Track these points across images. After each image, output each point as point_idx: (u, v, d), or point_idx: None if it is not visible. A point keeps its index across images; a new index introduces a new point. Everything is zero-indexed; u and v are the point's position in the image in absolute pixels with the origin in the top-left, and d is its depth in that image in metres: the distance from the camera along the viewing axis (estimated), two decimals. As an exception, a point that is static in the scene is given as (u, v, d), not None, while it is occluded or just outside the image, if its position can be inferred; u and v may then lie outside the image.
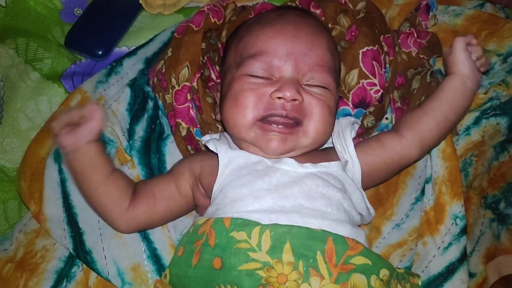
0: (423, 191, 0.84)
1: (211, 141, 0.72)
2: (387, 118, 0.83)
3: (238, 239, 0.61)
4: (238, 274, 0.59)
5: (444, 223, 0.78)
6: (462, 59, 0.75)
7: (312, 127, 0.69)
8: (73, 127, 0.70)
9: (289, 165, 0.68)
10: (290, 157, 0.69)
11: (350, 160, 0.73)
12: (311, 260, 0.59)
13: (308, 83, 0.70)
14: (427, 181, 0.83)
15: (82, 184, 0.72)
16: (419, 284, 0.71)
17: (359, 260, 0.61)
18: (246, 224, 0.62)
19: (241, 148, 0.72)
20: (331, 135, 0.75)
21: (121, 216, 0.71)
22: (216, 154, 0.70)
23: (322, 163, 0.70)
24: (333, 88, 0.72)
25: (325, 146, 0.79)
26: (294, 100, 0.67)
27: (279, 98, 0.67)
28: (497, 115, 0.87)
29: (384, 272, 0.63)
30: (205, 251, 0.62)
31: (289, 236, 0.60)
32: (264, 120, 0.68)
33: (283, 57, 0.69)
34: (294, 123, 0.68)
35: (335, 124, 0.76)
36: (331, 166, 0.70)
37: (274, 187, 0.65)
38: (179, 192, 0.74)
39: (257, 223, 0.62)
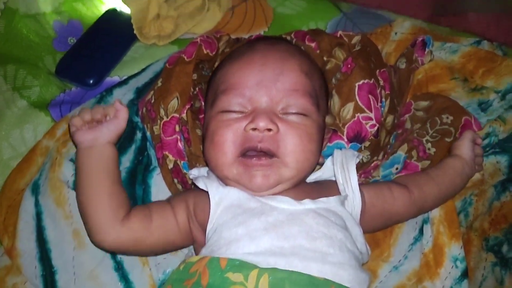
0: (421, 231, 0.80)
1: (200, 179, 0.69)
2: (397, 168, 0.81)
3: (234, 280, 0.56)
4: None
5: (444, 266, 0.74)
6: (468, 146, 0.80)
7: (291, 157, 0.66)
8: (93, 124, 0.70)
9: (286, 203, 0.65)
10: (285, 195, 0.66)
11: (351, 194, 0.70)
12: None
13: (285, 111, 0.68)
14: (425, 221, 0.80)
15: (85, 184, 0.68)
16: None
17: None
18: (243, 266, 0.57)
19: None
20: (334, 166, 0.72)
21: (113, 226, 0.66)
22: (207, 192, 0.66)
23: (321, 199, 0.66)
24: (313, 113, 0.70)
25: (326, 178, 0.76)
26: (269, 130, 0.65)
27: (254, 129, 0.65)
28: (496, 153, 0.85)
29: None
30: None
31: (288, 282, 0.56)
32: (244, 156, 0.66)
33: (253, 87, 0.68)
34: (269, 155, 0.66)
35: (339, 154, 0.73)
36: (330, 202, 0.66)
37: (271, 226, 0.61)
38: (176, 218, 0.69)
39: (255, 266, 0.57)
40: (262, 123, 0.64)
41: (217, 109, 0.70)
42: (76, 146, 0.71)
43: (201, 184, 0.67)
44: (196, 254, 0.69)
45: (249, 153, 0.66)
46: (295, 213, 0.63)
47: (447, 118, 0.84)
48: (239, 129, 0.66)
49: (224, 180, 0.69)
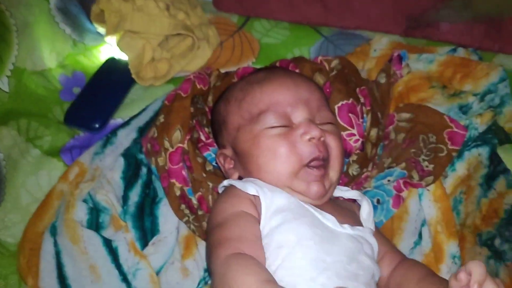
0: (420, 235, 0.84)
1: (247, 185, 0.70)
2: (388, 180, 0.85)
3: None
4: None
5: (445, 261, 0.78)
6: None
7: (336, 161, 0.75)
8: None
9: (331, 222, 0.69)
10: (330, 213, 0.71)
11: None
12: None
13: (318, 122, 0.76)
14: (423, 225, 0.84)
15: None
16: None
17: None
18: None
19: None
20: (362, 213, 0.78)
21: None
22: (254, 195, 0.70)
23: (358, 227, 0.72)
24: (335, 122, 0.80)
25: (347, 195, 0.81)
26: (320, 138, 0.73)
27: (309, 139, 0.72)
28: (478, 146, 0.88)
29: None
30: None
31: None
32: (308, 166, 0.72)
33: (293, 104, 0.75)
34: (325, 163, 0.73)
35: (367, 202, 0.79)
36: (365, 231, 0.72)
37: (319, 239, 0.66)
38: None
39: None
40: (317, 132, 0.72)
41: (262, 126, 0.74)
42: None
43: (251, 190, 0.69)
44: None
45: (312, 163, 0.72)
46: (336, 233, 0.69)
47: (432, 137, 0.89)
48: (295, 140, 0.73)
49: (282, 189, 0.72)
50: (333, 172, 0.74)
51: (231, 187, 0.74)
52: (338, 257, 0.65)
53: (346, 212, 0.77)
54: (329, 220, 0.70)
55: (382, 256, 0.76)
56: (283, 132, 0.74)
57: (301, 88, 0.78)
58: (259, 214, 0.69)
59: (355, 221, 0.74)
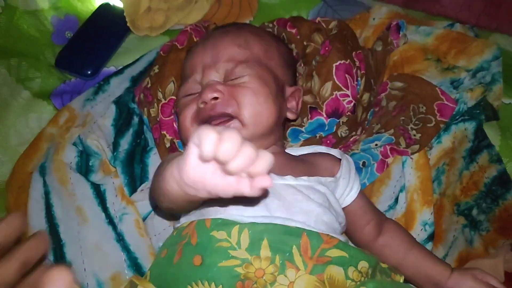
0: (396, 200, 0.86)
1: None
2: (376, 144, 0.86)
3: (219, 238, 0.62)
4: (217, 270, 0.60)
5: (414, 228, 0.81)
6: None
7: (246, 113, 0.72)
8: None
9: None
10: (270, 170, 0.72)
11: (344, 194, 0.77)
12: (287, 254, 0.61)
13: (228, 79, 0.75)
14: (401, 190, 0.86)
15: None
16: (401, 281, 0.70)
17: (335, 253, 0.63)
18: (225, 224, 0.64)
19: None
20: (342, 169, 0.77)
21: None
22: None
23: (302, 177, 0.72)
24: (253, 73, 0.74)
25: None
26: (216, 98, 0.72)
27: (204, 103, 0.73)
28: (465, 120, 0.90)
29: (363, 264, 0.64)
30: (187, 249, 0.64)
31: (266, 233, 0.62)
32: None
33: (199, 71, 0.77)
34: (229, 118, 0.72)
35: (347, 160, 0.79)
36: (312, 181, 0.72)
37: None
38: None
39: (236, 222, 0.63)
40: (206, 95, 0.72)
41: (180, 95, 0.79)
42: None
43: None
44: None
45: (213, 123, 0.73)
46: (276, 187, 0.69)
47: (422, 107, 0.90)
48: (193, 106, 0.75)
49: None
50: (244, 128, 0.71)
51: None
52: (278, 213, 0.66)
53: (304, 165, 0.77)
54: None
55: (367, 223, 0.78)
56: (191, 99, 0.76)
57: (208, 50, 0.77)
58: None
59: (308, 173, 0.74)
